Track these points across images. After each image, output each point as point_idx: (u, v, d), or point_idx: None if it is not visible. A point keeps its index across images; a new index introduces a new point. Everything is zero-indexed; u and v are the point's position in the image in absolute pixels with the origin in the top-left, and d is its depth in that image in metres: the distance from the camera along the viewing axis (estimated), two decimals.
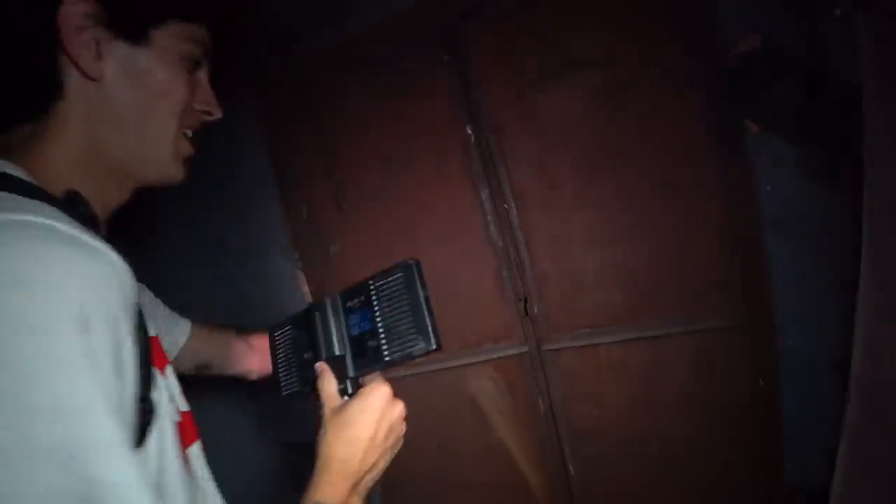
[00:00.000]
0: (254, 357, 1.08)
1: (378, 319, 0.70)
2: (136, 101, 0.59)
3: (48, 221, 0.45)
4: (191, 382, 0.75)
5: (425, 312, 0.67)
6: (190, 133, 0.67)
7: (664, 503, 1.65)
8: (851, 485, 1.34)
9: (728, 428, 1.53)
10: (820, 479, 1.43)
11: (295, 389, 0.82)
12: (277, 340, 0.88)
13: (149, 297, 0.93)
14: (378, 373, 0.76)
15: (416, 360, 0.71)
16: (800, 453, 1.44)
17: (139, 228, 1.56)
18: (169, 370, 0.65)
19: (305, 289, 1.65)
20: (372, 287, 0.72)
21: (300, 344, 0.80)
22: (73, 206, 0.53)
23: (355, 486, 0.69)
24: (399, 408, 0.76)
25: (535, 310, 1.55)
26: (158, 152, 0.63)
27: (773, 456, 1.48)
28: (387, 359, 0.70)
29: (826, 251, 1.33)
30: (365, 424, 0.69)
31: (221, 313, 1.68)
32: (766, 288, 1.38)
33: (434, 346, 0.68)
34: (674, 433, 1.57)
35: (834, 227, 1.30)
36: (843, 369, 1.38)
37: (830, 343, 1.35)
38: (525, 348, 1.59)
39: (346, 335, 0.73)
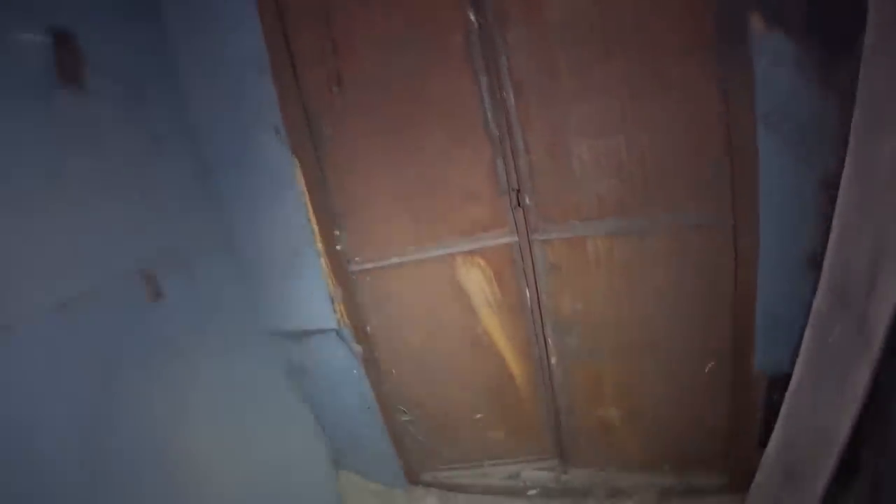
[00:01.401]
0: None
1: None
2: None
3: None
4: None
5: None
6: None
7: (640, 388, 1.74)
8: (811, 367, 1.42)
9: (705, 318, 1.60)
10: (785, 369, 1.53)
11: None
12: None
13: None
14: None
15: None
16: (769, 344, 1.53)
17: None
18: None
19: (300, 179, 1.66)
20: None
21: None
22: None
23: None
24: None
25: (527, 200, 1.58)
26: None
27: (743, 344, 1.57)
28: None
29: (812, 151, 1.37)
30: None
31: (210, 204, 1.70)
32: (754, 186, 1.42)
33: None
34: (653, 323, 1.64)
35: (823, 129, 1.34)
36: (817, 266, 1.46)
37: (808, 241, 1.42)
38: (515, 238, 1.63)
39: None
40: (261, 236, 1.72)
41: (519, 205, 1.59)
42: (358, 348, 1.77)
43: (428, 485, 2.03)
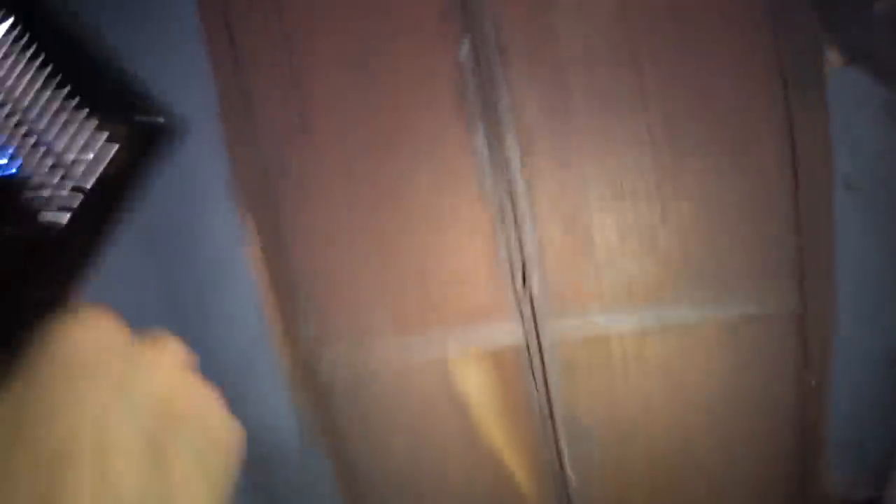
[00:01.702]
0: None
1: None
2: None
3: None
4: None
5: None
6: None
7: None
8: None
9: (765, 433, 1.27)
10: (869, 494, 1.23)
11: None
12: None
13: None
14: None
15: None
16: (845, 463, 1.22)
17: None
18: None
19: (255, 249, 1.30)
20: None
21: None
22: None
23: None
24: None
25: (535, 282, 1.24)
26: None
27: (813, 463, 1.24)
28: None
29: None
30: None
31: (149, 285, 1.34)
32: (829, 267, 1.11)
33: None
34: (698, 440, 1.30)
35: None
36: None
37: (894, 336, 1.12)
38: (520, 331, 1.28)
39: None
40: (207, 328, 1.35)
41: (525, 291, 1.24)
42: (330, 465, 1.42)
43: None
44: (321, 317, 1.36)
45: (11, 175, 0.24)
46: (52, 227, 0.24)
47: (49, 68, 0.26)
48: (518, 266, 1.23)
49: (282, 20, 1.23)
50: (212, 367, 1.36)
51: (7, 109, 0.24)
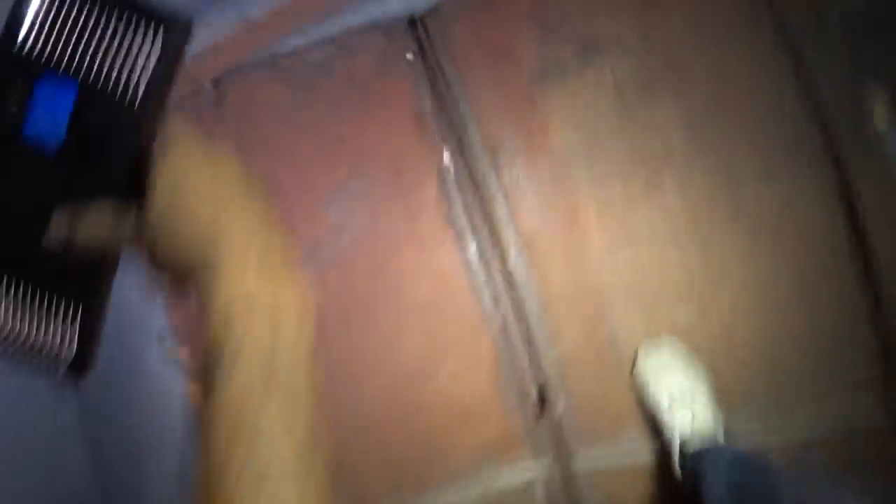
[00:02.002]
0: None
1: None
2: None
3: None
4: None
5: None
6: None
7: None
8: None
9: None
10: None
11: None
12: None
13: None
14: None
15: None
16: None
17: None
18: None
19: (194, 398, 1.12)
20: None
21: None
22: None
23: None
24: None
25: (558, 408, 1.05)
26: None
27: None
28: None
29: None
30: None
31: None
32: None
33: None
34: None
35: None
36: None
37: None
38: (539, 469, 1.07)
39: None
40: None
41: (542, 415, 1.05)
42: None
43: None
44: None
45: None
46: None
47: None
48: (531, 388, 1.04)
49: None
50: None
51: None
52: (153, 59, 0.29)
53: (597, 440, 1.04)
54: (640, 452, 1.03)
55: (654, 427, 1.00)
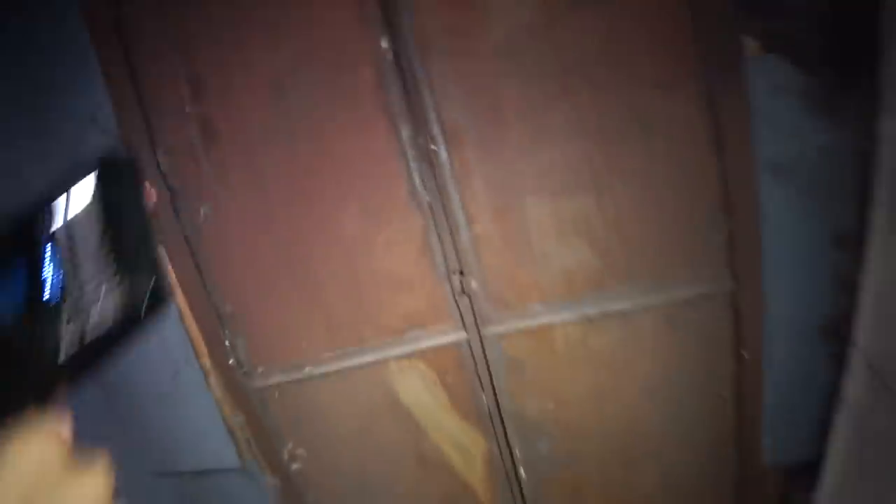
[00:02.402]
0: None
1: None
2: None
3: None
4: None
5: None
6: None
7: (630, 499, 1.41)
8: (853, 464, 1.16)
9: (707, 410, 1.28)
10: (800, 457, 1.27)
11: None
12: None
13: None
14: None
15: None
16: (781, 429, 1.24)
17: None
18: None
19: (167, 268, 1.20)
20: None
21: None
22: None
23: None
24: None
25: (473, 284, 1.20)
26: None
27: (751, 432, 1.27)
28: None
29: (824, 201, 1.08)
30: None
31: None
32: (757, 246, 1.12)
33: None
34: (646, 425, 1.31)
35: (835, 174, 1.05)
36: (833, 336, 1.20)
37: (822, 308, 1.13)
38: (461, 334, 1.25)
39: None
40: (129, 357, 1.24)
41: (463, 291, 1.20)
42: (271, 481, 1.34)
43: None
44: (250, 333, 1.28)
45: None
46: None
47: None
48: (455, 268, 1.19)
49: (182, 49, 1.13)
50: (146, 392, 1.26)
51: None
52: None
53: (505, 309, 1.22)
54: (539, 321, 1.22)
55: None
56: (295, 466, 1.40)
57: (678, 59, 1.07)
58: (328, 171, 1.15)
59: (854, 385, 1.10)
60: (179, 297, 1.20)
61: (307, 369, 1.28)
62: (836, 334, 1.13)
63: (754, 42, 1.03)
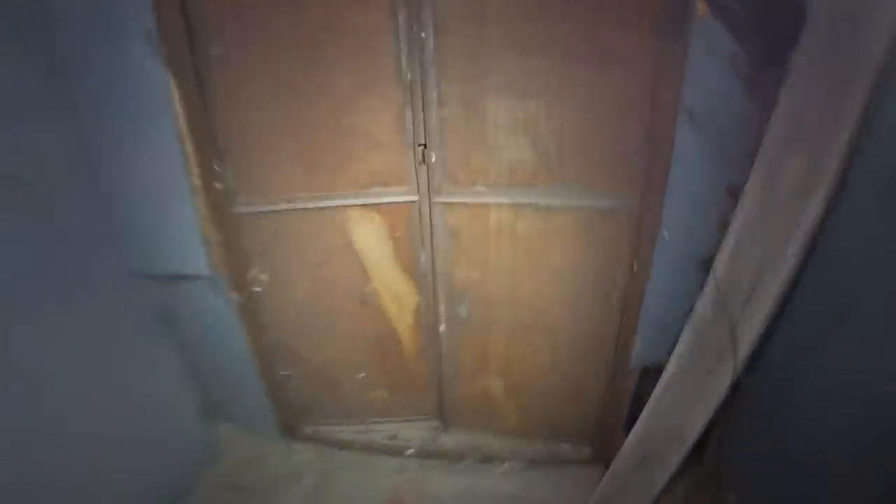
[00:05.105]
0: None
1: None
2: None
3: None
4: None
5: None
6: None
7: (524, 364, 1.74)
8: (683, 368, 1.45)
9: (597, 304, 1.59)
10: (661, 365, 1.55)
11: None
12: None
13: None
14: None
15: None
16: (650, 337, 1.53)
17: None
18: None
19: (176, 100, 1.35)
20: None
21: None
22: None
23: None
24: None
25: (433, 157, 1.45)
26: None
27: (627, 334, 1.58)
28: None
29: (727, 155, 1.31)
30: None
31: (64, 119, 1.38)
32: (664, 177, 1.37)
33: None
34: (546, 303, 1.61)
35: (742, 134, 1.28)
36: (706, 269, 1.47)
37: (705, 245, 1.38)
38: (415, 196, 1.50)
39: None
40: (125, 164, 1.45)
41: (424, 162, 1.45)
42: (234, 297, 1.60)
43: (307, 439, 1.97)
44: (239, 165, 1.49)
45: None
46: None
47: None
48: (420, 141, 1.43)
49: None
50: (136, 198, 1.48)
51: None
52: None
53: (454, 184, 1.48)
54: (479, 199, 1.48)
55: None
56: (256, 288, 1.67)
57: (642, 3, 1.27)
58: (330, 39, 1.34)
59: (702, 303, 1.35)
60: (181, 120, 1.37)
61: (282, 204, 1.52)
62: (708, 268, 1.40)
63: (702, 3, 1.24)
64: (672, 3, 1.24)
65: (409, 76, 1.37)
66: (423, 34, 1.33)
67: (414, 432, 1.94)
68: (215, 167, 1.47)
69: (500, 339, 1.71)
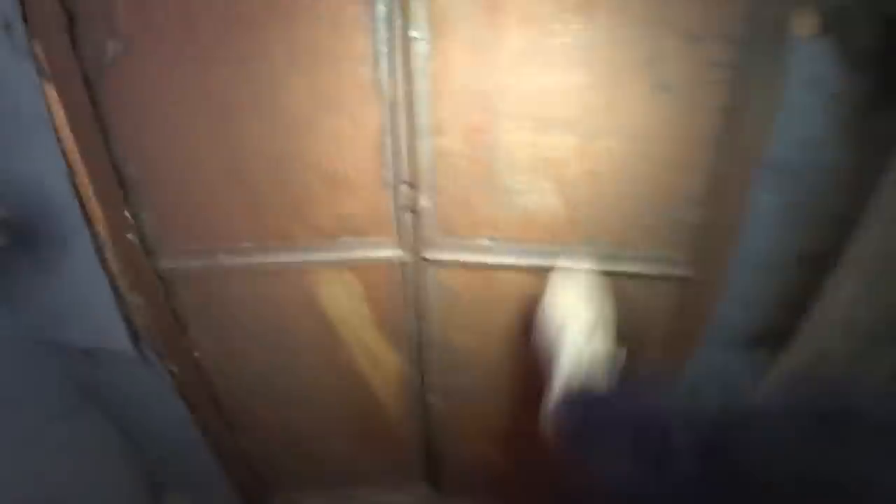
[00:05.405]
0: None
1: None
2: None
3: None
4: None
5: None
6: None
7: (522, 441, 1.43)
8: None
9: None
10: None
11: None
12: None
13: None
14: None
15: None
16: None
17: None
18: None
19: (56, 107, 0.93)
20: None
21: None
22: None
23: None
24: None
25: (423, 201, 1.07)
26: None
27: None
28: None
29: (807, 215, 0.97)
30: None
31: None
32: (725, 244, 1.01)
33: None
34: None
35: (833, 191, 0.93)
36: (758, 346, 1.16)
37: (761, 319, 1.05)
38: (398, 251, 1.14)
39: None
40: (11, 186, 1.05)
41: (410, 206, 1.07)
42: (168, 366, 1.24)
43: None
44: (158, 207, 1.10)
45: None
46: None
47: None
48: (405, 178, 1.05)
49: None
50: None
51: None
52: None
53: (452, 236, 1.11)
54: (485, 258, 1.13)
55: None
56: (199, 351, 1.31)
57: (720, 13, 0.88)
58: (276, 33, 0.93)
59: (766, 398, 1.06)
60: (69, 146, 0.96)
61: (221, 256, 1.15)
62: (761, 346, 1.06)
63: (810, 18, 0.84)
64: (766, 15, 0.85)
65: (390, 91, 0.97)
66: (412, 33, 0.93)
67: (401, 498, 1.66)
68: (125, 212, 1.07)
69: (491, 414, 1.39)
